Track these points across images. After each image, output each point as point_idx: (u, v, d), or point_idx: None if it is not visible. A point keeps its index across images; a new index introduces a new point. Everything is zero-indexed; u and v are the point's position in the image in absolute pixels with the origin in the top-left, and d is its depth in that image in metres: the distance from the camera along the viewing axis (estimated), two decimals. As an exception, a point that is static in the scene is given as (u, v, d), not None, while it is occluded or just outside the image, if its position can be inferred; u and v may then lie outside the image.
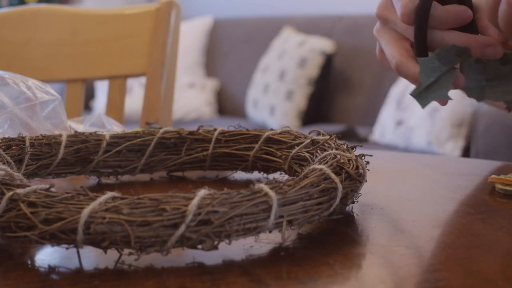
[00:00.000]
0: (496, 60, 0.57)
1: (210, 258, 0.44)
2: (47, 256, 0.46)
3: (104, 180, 0.69)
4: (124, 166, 0.68)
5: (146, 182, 0.69)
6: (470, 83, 0.57)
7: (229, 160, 0.69)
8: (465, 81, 0.56)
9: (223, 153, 0.69)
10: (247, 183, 0.56)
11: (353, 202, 0.53)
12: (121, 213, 0.41)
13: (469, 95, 0.59)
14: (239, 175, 0.70)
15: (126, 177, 0.70)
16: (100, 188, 0.67)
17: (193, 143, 0.69)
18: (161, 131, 0.69)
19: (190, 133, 0.69)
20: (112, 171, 0.68)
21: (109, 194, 0.43)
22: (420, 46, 0.56)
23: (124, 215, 0.41)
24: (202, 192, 0.43)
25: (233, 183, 0.69)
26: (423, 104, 0.55)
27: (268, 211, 0.44)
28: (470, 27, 0.57)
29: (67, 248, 0.43)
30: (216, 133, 0.69)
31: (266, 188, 0.45)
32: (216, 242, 0.43)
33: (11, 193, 0.44)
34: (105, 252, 0.42)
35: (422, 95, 0.55)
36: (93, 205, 0.42)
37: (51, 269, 0.43)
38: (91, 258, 0.44)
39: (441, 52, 0.55)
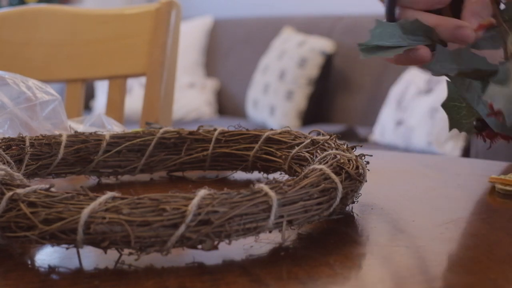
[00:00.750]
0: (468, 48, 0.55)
1: (210, 258, 0.44)
2: (47, 256, 0.46)
3: (104, 180, 0.69)
4: (124, 166, 0.68)
5: (146, 182, 0.69)
6: (441, 68, 0.56)
7: (229, 160, 0.69)
8: (435, 65, 0.55)
9: (223, 153, 0.69)
10: (247, 183, 0.56)
11: (353, 202, 0.53)
12: (121, 213, 0.41)
13: (435, 74, 0.57)
14: (239, 175, 0.70)
15: (126, 177, 0.70)
16: (100, 188, 0.67)
17: (193, 143, 0.69)
18: (161, 131, 0.69)
19: (190, 133, 0.69)
20: (112, 171, 0.68)
21: (109, 194, 0.43)
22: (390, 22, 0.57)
23: (124, 215, 0.41)
24: (202, 192, 0.43)
25: (233, 183, 0.69)
26: (364, 55, 0.54)
27: (268, 211, 0.44)
28: (455, 13, 0.56)
29: (67, 248, 0.43)
30: (216, 133, 0.69)
31: (266, 188, 0.45)
32: (216, 242, 0.43)
33: (11, 193, 0.44)
34: (105, 252, 0.42)
35: (368, 50, 0.55)
36: (93, 205, 0.42)
37: (51, 269, 0.43)
38: (91, 258, 0.44)
39: (404, 24, 0.55)
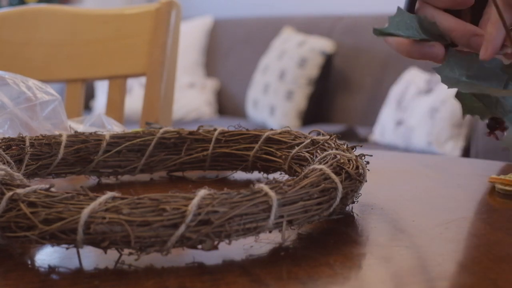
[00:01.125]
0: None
1: (210, 258, 0.44)
2: (47, 256, 0.46)
3: (104, 180, 0.69)
4: (124, 166, 0.68)
5: (146, 182, 0.69)
6: (450, 72, 0.55)
7: (229, 160, 0.69)
8: (445, 69, 0.54)
9: (223, 153, 0.69)
10: (247, 183, 0.56)
11: (353, 202, 0.53)
12: (121, 213, 0.41)
13: (444, 81, 0.57)
14: (239, 175, 0.70)
15: (126, 177, 0.70)
16: (100, 188, 0.67)
17: (193, 143, 0.69)
18: (161, 131, 0.69)
19: (190, 133, 0.69)
20: (112, 171, 0.68)
21: (109, 194, 0.43)
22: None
23: (124, 215, 0.41)
24: (202, 192, 0.43)
25: (233, 183, 0.69)
26: (377, 34, 0.55)
27: (268, 211, 0.44)
28: (475, 18, 0.56)
29: (67, 248, 0.43)
30: (216, 133, 0.69)
31: (266, 188, 0.45)
32: (216, 242, 0.43)
33: (11, 193, 0.44)
34: (105, 252, 0.42)
35: (383, 32, 0.55)
36: (93, 205, 0.42)
37: (51, 269, 0.43)
38: (91, 258, 0.44)
39: (423, 20, 0.55)
